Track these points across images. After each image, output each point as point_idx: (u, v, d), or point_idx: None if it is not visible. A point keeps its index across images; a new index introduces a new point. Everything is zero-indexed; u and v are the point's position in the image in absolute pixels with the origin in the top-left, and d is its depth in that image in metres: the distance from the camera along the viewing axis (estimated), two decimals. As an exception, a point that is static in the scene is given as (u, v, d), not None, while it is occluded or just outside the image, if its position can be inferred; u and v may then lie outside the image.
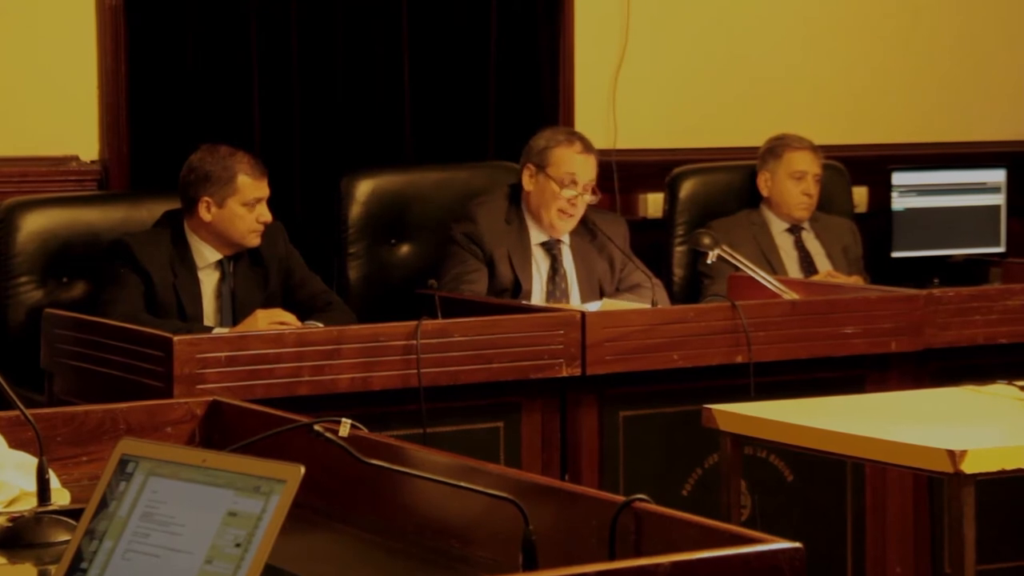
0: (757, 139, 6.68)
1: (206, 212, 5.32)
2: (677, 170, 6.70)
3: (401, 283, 6.04)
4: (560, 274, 5.93)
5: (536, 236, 5.88)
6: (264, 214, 5.37)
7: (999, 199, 7.20)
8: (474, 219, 5.81)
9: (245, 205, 5.31)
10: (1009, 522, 5.24)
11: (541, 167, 5.75)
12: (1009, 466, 3.70)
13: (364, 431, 2.78)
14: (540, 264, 5.92)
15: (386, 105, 6.80)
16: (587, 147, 5.82)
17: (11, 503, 2.96)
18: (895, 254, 7.04)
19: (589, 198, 5.79)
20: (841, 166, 6.86)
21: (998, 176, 7.23)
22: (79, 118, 6.37)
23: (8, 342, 5.41)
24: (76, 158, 6.25)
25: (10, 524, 2.81)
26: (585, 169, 5.74)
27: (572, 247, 5.93)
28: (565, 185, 5.71)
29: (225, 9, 6.60)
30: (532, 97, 6.98)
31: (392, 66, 6.81)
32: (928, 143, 7.66)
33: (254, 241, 5.36)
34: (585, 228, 5.90)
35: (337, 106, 6.72)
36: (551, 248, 5.91)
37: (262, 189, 5.35)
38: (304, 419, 2.95)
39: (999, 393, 4.34)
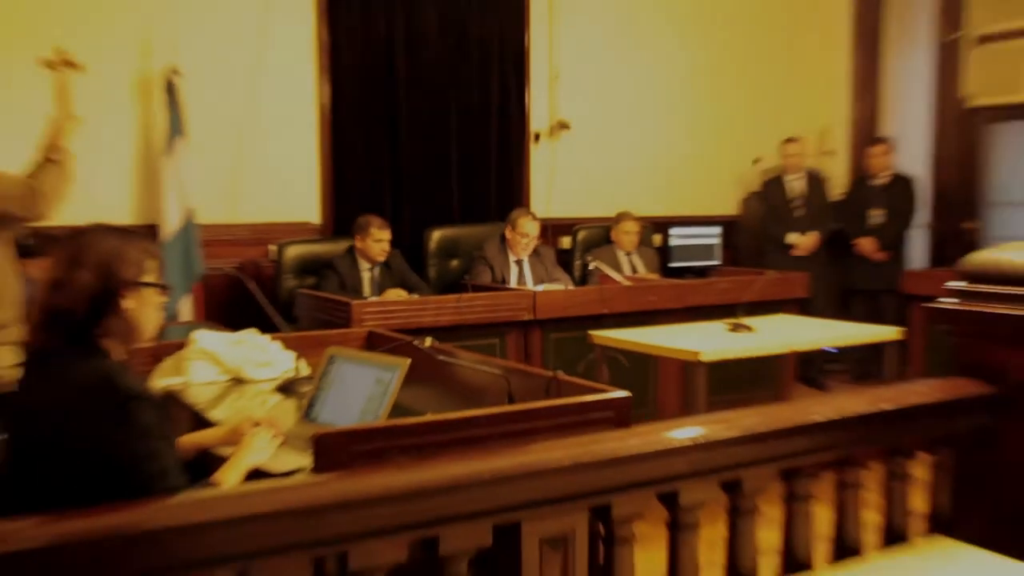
0: (611, 211, 7.56)
1: (360, 243, 6.29)
2: (577, 227, 7.73)
3: (454, 278, 6.94)
4: (523, 274, 6.81)
5: (511, 257, 6.80)
6: (386, 247, 6.30)
7: (717, 240, 8.02)
8: (484, 251, 6.79)
9: (376, 242, 6.28)
10: (719, 381, 5.42)
11: (513, 227, 6.76)
12: (724, 358, 4.89)
13: (436, 343, 3.44)
14: (514, 269, 6.79)
15: (445, 195, 7.56)
16: (533, 217, 6.81)
17: (284, 374, 3.82)
18: (672, 265, 7.78)
19: (535, 241, 6.81)
20: (648, 224, 7.70)
21: (715, 230, 8.08)
22: (310, 199, 7.13)
23: (280, 306, 5.88)
24: (309, 223, 7.08)
25: (284, 381, 3.69)
26: (533, 228, 6.75)
27: (529, 261, 6.83)
28: (523, 235, 6.72)
29: (390, 130, 7.28)
30: (512, 188, 7.80)
31: (447, 173, 7.57)
32: (687, 215, 8.33)
33: (381, 259, 6.32)
34: (535, 253, 6.85)
35: (423, 196, 7.42)
36: (519, 263, 6.81)
37: (385, 234, 6.31)
38: (409, 338, 3.65)
39: (719, 327, 5.41)
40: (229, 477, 2.56)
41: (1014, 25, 7.78)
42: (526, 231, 6.75)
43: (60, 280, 2.41)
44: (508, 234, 6.81)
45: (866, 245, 7.98)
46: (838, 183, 8.91)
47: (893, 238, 8.02)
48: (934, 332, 6.19)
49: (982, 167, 8.39)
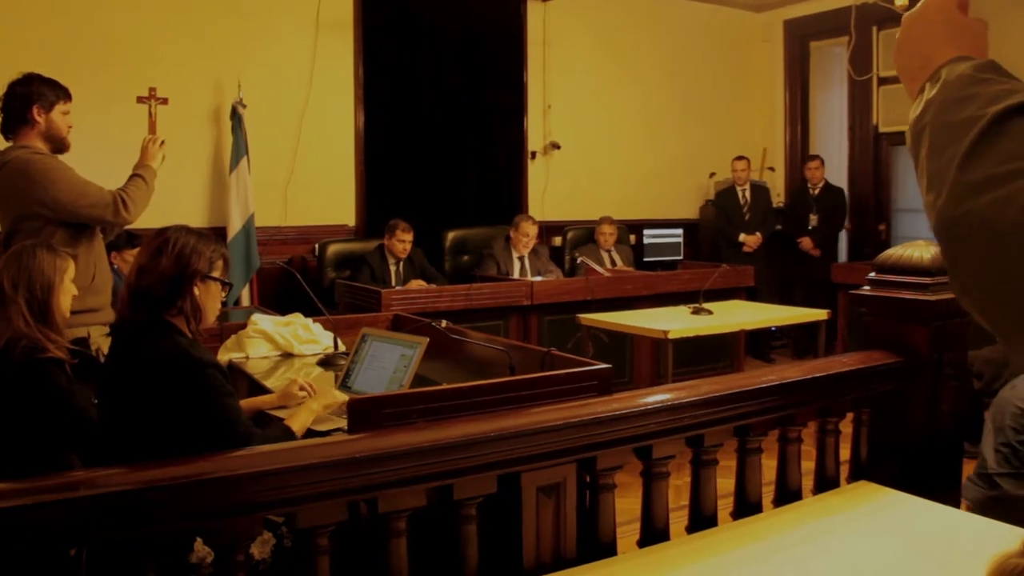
0: (595, 215, 7.56)
1: (388, 242, 6.23)
2: (567, 229, 7.74)
3: (465, 271, 6.95)
4: (524, 268, 6.75)
5: (515, 254, 6.76)
6: (408, 246, 6.26)
7: (679, 239, 8.13)
8: (492, 248, 6.80)
9: (400, 241, 6.22)
10: (684, 355, 5.55)
11: (516, 228, 6.75)
12: (687, 335, 4.91)
13: (451, 325, 3.39)
14: (516, 264, 6.75)
15: (459, 202, 7.55)
16: (533, 221, 6.82)
17: (325, 349, 3.76)
18: (645, 259, 7.83)
19: (534, 240, 6.77)
20: (623, 227, 7.67)
21: (679, 231, 8.22)
22: (347, 206, 7.11)
23: (322, 294, 5.40)
24: (346, 225, 7.10)
25: (325, 355, 3.67)
26: (532, 230, 6.74)
27: (528, 258, 6.79)
28: (523, 235, 6.69)
29: (413, 150, 7.27)
30: (513, 197, 7.83)
31: (460, 184, 7.58)
32: (656, 219, 8.39)
33: (404, 255, 6.25)
34: (533, 250, 6.80)
35: (440, 202, 7.40)
36: (521, 258, 6.77)
37: (408, 235, 6.26)
38: (428, 320, 3.53)
39: (683, 310, 5.47)
40: (301, 418, 2.53)
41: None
42: (527, 232, 6.75)
43: (145, 266, 2.44)
44: (512, 234, 6.80)
45: (806, 243, 8.02)
46: (777, 192, 8.98)
47: (826, 238, 8.08)
48: (854, 314, 6.19)
49: (889, 181, 8.47)
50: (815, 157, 8.22)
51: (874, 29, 8.14)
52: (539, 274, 6.75)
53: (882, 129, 8.35)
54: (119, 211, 3.62)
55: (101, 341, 3.47)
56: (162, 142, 3.89)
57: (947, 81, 0.95)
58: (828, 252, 8.10)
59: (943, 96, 0.94)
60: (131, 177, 3.76)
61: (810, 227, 8.06)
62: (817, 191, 8.09)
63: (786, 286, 8.09)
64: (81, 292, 3.18)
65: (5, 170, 3.58)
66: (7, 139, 3.69)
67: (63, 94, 3.71)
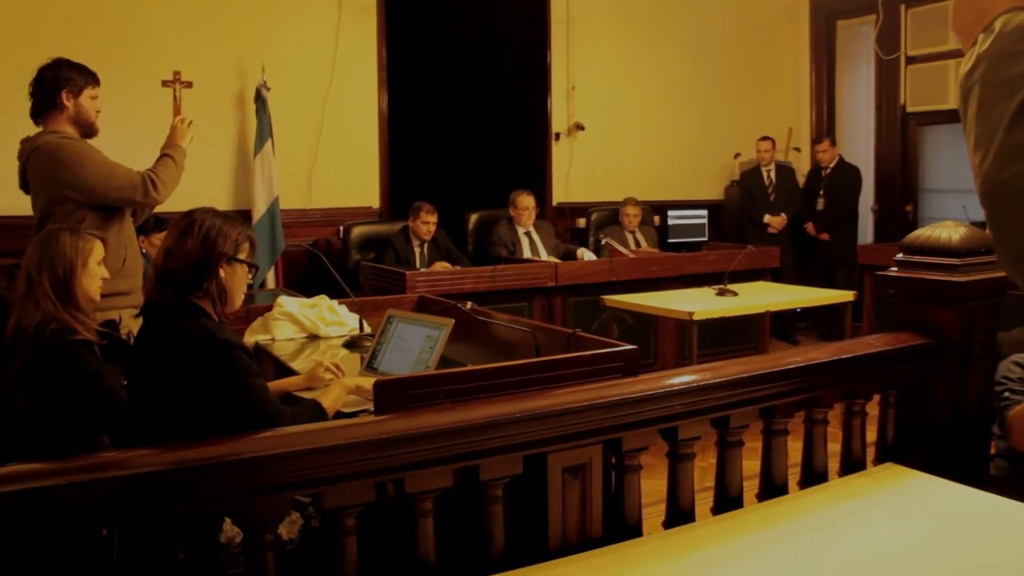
0: (619, 197, 7.62)
1: (412, 224, 6.28)
2: (592, 210, 7.80)
3: (484, 250, 6.91)
4: (534, 243, 6.83)
5: (520, 230, 6.81)
6: (432, 228, 6.30)
7: (704, 221, 8.17)
8: (496, 232, 6.80)
9: (424, 223, 6.27)
10: (709, 336, 5.75)
11: (514, 205, 6.78)
12: (712, 316, 4.92)
13: (475, 306, 3.40)
14: (524, 240, 6.81)
15: (482, 184, 7.48)
16: (528, 192, 6.82)
17: (350, 331, 3.80)
18: (670, 241, 7.90)
19: (534, 211, 6.82)
20: (648, 208, 7.65)
21: (703, 212, 8.24)
22: (371, 188, 7.15)
23: (347, 276, 5.30)
24: (371, 207, 7.14)
25: (350, 337, 3.71)
26: (528, 201, 6.78)
27: (538, 233, 6.87)
28: (523, 209, 6.75)
29: (436, 132, 7.32)
30: (536, 178, 7.71)
31: (483, 166, 7.55)
32: (681, 200, 8.40)
33: (428, 237, 6.30)
34: (535, 226, 6.85)
35: (464, 184, 7.39)
36: (527, 233, 6.84)
37: (432, 217, 6.31)
38: (453, 302, 3.53)
39: (708, 291, 5.48)
40: (333, 393, 2.55)
41: (939, 48, 7.76)
42: (525, 204, 6.79)
43: (172, 248, 2.44)
44: (512, 212, 6.86)
45: (811, 229, 8.00)
46: (803, 173, 8.86)
47: (830, 222, 7.92)
48: (881, 295, 6.14)
49: (917, 161, 8.39)
50: (821, 139, 8.12)
51: (902, 7, 8.07)
52: (554, 247, 6.83)
53: (910, 109, 8.26)
54: (148, 192, 3.65)
55: (132, 324, 3.48)
56: (191, 122, 3.92)
57: (1002, 33, 0.88)
58: (845, 233, 7.92)
59: (996, 50, 0.87)
60: (160, 157, 3.79)
61: (817, 210, 8.00)
62: (828, 172, 8.00)
63: (806, 268, 7.98)
64: (112, 275, 3.21)
65: (35, 155, 3.60)
66: (36, 124, 3.71)
67: (91, 79, 3.72)
